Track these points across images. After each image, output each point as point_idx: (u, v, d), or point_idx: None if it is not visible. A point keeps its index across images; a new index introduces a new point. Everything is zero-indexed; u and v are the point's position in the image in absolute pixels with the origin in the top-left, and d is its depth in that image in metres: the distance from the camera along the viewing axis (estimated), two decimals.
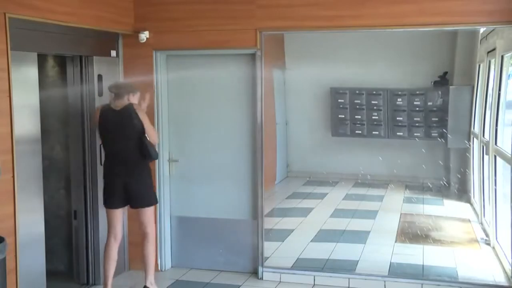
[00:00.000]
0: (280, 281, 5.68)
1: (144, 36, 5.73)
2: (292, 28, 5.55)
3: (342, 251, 6.31)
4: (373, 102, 8.93)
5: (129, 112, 4.99)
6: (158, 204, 5.93)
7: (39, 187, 4.82)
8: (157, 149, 5.32)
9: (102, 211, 5.61)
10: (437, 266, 5.90)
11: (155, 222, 5.95)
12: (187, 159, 6.00)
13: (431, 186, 8.49)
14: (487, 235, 6.60)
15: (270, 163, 6.93)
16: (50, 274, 5.18)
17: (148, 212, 5.19)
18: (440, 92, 8.56)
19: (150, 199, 5.21)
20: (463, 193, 8.22)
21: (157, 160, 5.90)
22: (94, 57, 5.51)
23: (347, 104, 9.11)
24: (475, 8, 5.06)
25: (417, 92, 8.71)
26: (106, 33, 5.57)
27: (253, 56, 5.64)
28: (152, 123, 5.41)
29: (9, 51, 4.30)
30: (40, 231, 4.83)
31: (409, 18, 5.19)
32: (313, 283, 5.58)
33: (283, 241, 6.59)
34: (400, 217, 7.50)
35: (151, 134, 5.08)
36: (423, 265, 5.90)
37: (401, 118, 8.82)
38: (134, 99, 5.12)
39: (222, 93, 5.85)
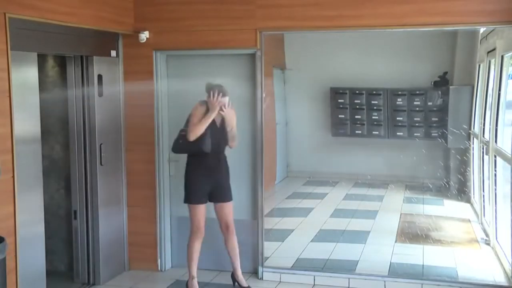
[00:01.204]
0: (280, 281, 5.67)
1: (144, 36, 5.73)
2: (292, 28, 5.55)
3: (342, 251, 6.31)
4: (373, 102, 8.92)
5: None
6: (158, 204, 5.95)
7: (39, 187, 4.82)
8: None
9: (102, 211, 5.62)
10: (437, 266, 5.90)
11: (155, 222, 5.96)
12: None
13: (431, 186, 8.49)
14: (487, 235, 6.60)
15: (270, 163, 6.94)
16: (50, 274, 5.18)
17: (189, 209, 5.28)
18: (440, 92, 8.55)
19: (185, 196, 5.31)
20: (463, 193, 8.22)
21: (157, 160, 5.92)
22: (94, 57, 5.51)
23: (347, 104, 9.10)
24: (475, 8, 5.06)
25: (417, 92, 8.71)
26: (106, 33, 5.57)
27: (253, 56, 5.64)
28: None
29: (9, 51, 4.30)
30: (40, 231, 4.83)
31: (409, 18, 5.19)
32: (313, 283, 5.58)
33: (283, 241, 6.59)
34: (400, 217, 7.50)
35: (188, 129, 5.14)
36: (423, 265, 5.90)
37: (401, 118, 8.82)
38: (208, 97, 5.15)
39: None
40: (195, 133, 5.07)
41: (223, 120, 5.21)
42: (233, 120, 5.27)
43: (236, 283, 5.48)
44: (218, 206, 5.33)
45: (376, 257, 6.09)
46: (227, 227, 5.37)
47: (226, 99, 5.13)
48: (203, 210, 5.28)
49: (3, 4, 4.23)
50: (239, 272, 5.44)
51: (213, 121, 5.16)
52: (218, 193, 5.31)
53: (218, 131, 5.22)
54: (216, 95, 5.07)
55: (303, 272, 5.69)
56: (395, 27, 5.28)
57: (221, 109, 5.12)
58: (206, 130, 5.10)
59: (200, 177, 5.23)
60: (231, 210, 5.39)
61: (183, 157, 5.98)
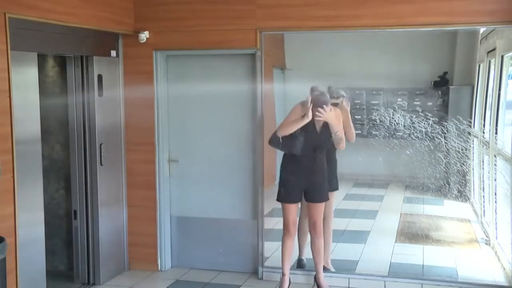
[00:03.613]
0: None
1: (144, 36, 5.73)
2: (292, 28, 5.55)
3: (342, 251, 6.31)
4: (373, 102, 8.92)
5: None
6: (158, 204, 5.95)
7: (39, 187, 4.82)
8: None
9: (102, 211, 5.62)
10: (437, 266, 5.90)
11: (155, 222, 5.96)
12: (187, 159, 6.00)
13: (431, 186, 8.50)
14: (487, 235, 6.60)
15: (270, 163, 6.93)
16: (50, 274, 5.18)
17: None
18: (440, 92, 8.55)
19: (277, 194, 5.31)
20: (463, 193, 8.22)
21: (157, 160, 5.92)
22: (94, 57, 5.51)
23: None
24: (475, 8, 5.06)
25: (417, 92, 8.71)
26: (106, 33, 5.57)
27: (253, 56, 5.64)
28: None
29: (9, 51, 4.30)
30: (40, 231, 4.83)
31: (409, 18, 5.19)
32: (313, 283, 5.58)
33: None
34: (400, 217, 7.50)
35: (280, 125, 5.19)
36: (423, 265, 5.90)
37: (401, 118, 8.81)
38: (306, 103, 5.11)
39: (222, 93, 5.85)
40: (283, 131, 5.09)
41: (326, 125, 5.10)
42: (337, 124, 5.10)
43: (317, 286, 5.43)
44: (310, 204, 5.30)
45: (376, 257, 6.09)
46: (314, 227, 5.31)
47: (326, 107, 5.00)
48: (294, 210, 5.27)
49: (3, 4, 4.23)
50: (321, 276, 5.37)
51: (313, 126, 5.08)
52: (312, 192, 5.25)
53: (316, 136, 5.14)
54: (310, 103, 4.98)
55: (303, 272, 5.69)
56: (395, 27, 5.28)
57: (317, 116, 4.96)
58: (300, 133, 5.06)
59: (292, 176, 5.22)
60: (321, 210, 5.31)
61: (183, 158, 5.99)
